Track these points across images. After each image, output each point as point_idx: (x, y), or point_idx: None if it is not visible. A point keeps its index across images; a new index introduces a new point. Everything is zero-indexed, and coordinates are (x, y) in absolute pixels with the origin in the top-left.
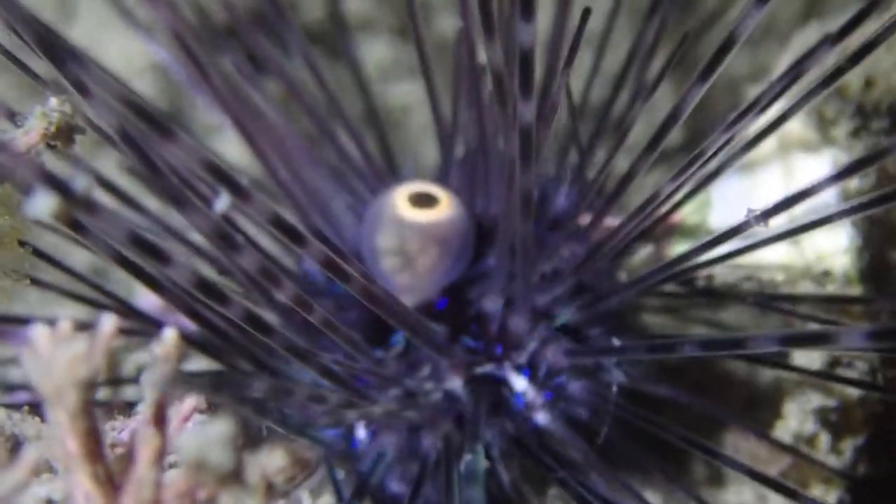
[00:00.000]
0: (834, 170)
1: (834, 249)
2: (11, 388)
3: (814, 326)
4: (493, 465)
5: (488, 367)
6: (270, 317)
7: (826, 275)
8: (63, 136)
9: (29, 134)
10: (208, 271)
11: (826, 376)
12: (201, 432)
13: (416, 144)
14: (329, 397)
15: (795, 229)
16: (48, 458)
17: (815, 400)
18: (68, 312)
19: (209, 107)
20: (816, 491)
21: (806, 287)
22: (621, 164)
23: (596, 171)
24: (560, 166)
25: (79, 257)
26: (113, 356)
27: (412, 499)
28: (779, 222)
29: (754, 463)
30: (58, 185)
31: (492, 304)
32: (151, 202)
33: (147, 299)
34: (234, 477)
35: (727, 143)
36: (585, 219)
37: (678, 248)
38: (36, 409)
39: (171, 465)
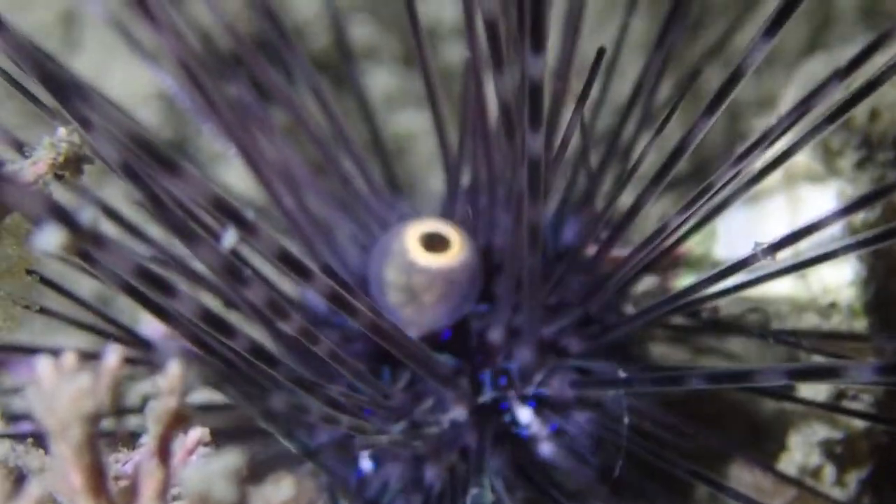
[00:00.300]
0: (840, 203)
1: (839, 282)
2: (15, 417)
3: (821, 360)
4: (499, 497)
5: (493, 399)
6: (276, 348)
7: (831, 307)
8: (71, 166)
9: (37, 164)
10: (214, 302)
11: (832, 408)
12: (206, 465)
13: (422, 173)
14: (341, 419)
15: (801, 263)
16: (52, 492)
17: (821, 432)
18: (73, 341)
19: (215, 135)
20: None
21: (811, 319)
22: (628, 194)
23: (603, 203)
24: (567, 197)
25: (85, 285)
26: (118, 386)
27: None
28: (785, 255)
29: (759, 495)
30: (64, 218)
31: (497, 335)
32: (157, 232)
33: (152, 327)
34: None
35: (734, 177)
36: (592, 250)
37: (684, 279)
38: (40, 440)
39: (175, 498)
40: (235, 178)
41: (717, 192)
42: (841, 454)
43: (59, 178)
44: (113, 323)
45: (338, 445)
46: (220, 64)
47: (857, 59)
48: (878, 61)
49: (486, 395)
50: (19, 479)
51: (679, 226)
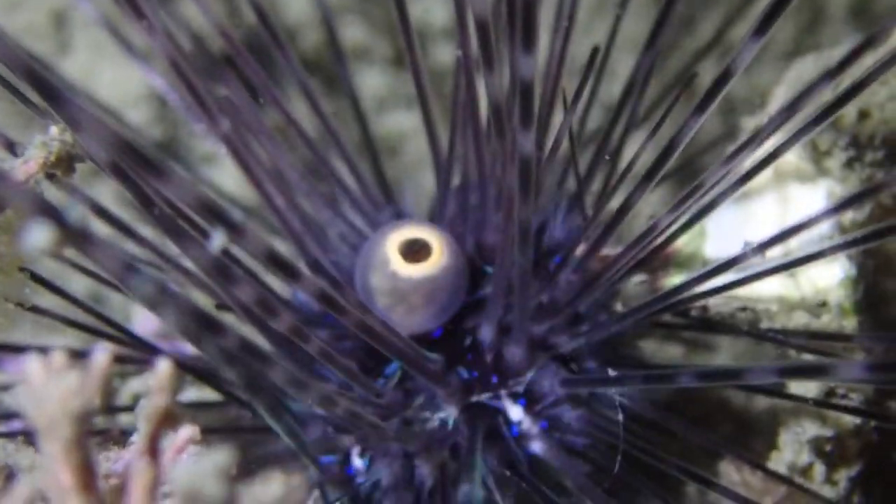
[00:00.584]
0: (829, 203)
1: (829, 281)
2: (6, 416)
3: (811, 358)
4: (490, 494)
5: (484, 397)
6: (267, 346)
7: (821, 306)
8: (63, 165)
9: (28, 163)
10: (205, 301)
11: (822, 404)
12: (196, 464)
13: (413, 173)
14: (339, 402)
15: (791, 262)
16: (42, 490)
17: (811, 430)
18: (65, 339)
19: (205, 135)
20: None
21: (801, 318)
22: (618, 192)
23: (593, 201)
24: (557, 195)
25: (77, 284)
26: (108, 384)
27: None
28: (775, 253)
29: (749, 494)
30: (54, 216)
31: (488, 333)
32: (148, 231)
33: (144, 324)
34: None
35: (724, 176)
36: (582, 248)
37: (674, 278)
38: (31, 437)
39: (166, 496)
40: (227, 178)
41: (707, 192)
42: (831, 452)
43: (50, 177)
44: (104, 321)
45: (329, 443)
46: (210, 64)
47: (845, 61)
48: (867, 62)
49: (477, 393)
50: (9, 476)
51: (669, 225)
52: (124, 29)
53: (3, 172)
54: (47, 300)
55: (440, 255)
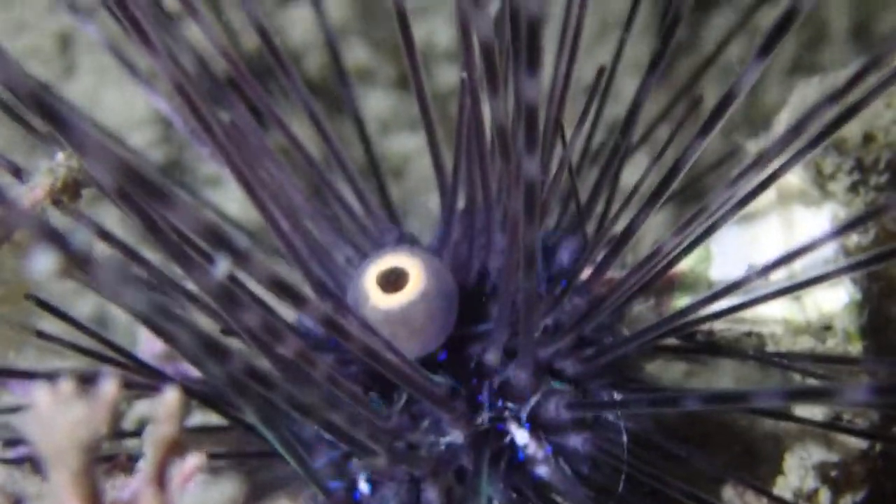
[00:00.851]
0: (833, 226)
1: (834, 305)
2: (13, 442)
3: (816, 382)
4: None
5: (490, 420)
6: (272, 371)
7: (826, 330)
8: (69, 191)
9: (35, 190)
10: (211, 325)
11: (828, 426)
12: (203, 492)
13: (418, 195)
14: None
15: (795, 285)
16: None
17: (816, 455)
18: (70, 364)
19: (210, 158)
20: None
21: (806, 343)
22: (623, 216)
23: (597, 225)
24: (561, 219)
25: (83, 307)
26: (116, 412)
27: None
28: (779, 277)
29: None
30: (58, 242)
31: (493, 357)
32: (153, 256)
33: (149, 346)
34: None
35: (728, 200)
36: (587, 272)
37: (679, 302)
38: (37, 465)
39: None
40: (231, 200)
41: (711, 216)
42: (836, 478)
43: (56, 203)
44: (110, 346)
45: (335, 468)
46: (214, 87)
47: (849, 84)
48: (871, 84)
49: (483, 417)
50: None
51: (673, 248)
52: (129, 52)
53: (9, 199)
54: (52, 326)
55: (417, 281)
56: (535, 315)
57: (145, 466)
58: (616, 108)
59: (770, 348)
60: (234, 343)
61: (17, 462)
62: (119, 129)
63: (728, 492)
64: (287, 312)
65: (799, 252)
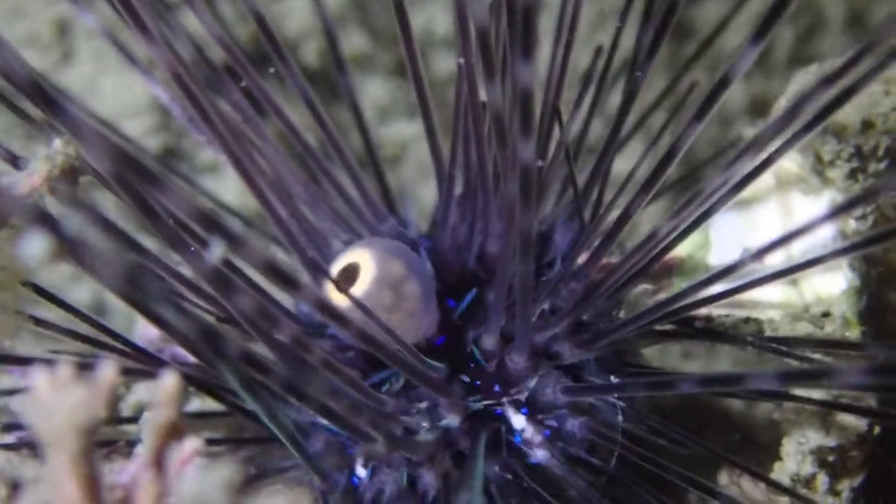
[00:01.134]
0: (832, 215)
1: (832, 292)
2: (11, 427)
3: (812, 364)
4: (492, 502)
5: (486, 405)
6: (269, 356)
7: (825, 316)
8: (67, 178)
9: (32, 176)
10: (206, 310)
11: (826, 404)
12: (201, 477)
13: (416, 182)
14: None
15: (793, 268)
16: (48, 502)
17: (814, 439)
18: (68, 350)
19: (208, 145)
20: None
21: (805, 329)
22: (620, 201)
23: (592, 210)
24: (558, 204)
25: (80, 294)
26: (113, 398)
27: None
28: (777, 263)
29: None
30: (51, 226)
31: (490, 341)
32: (149, 242)
33: (146, 332)
34: None
35: (724, 183)
36: (584, 257)
37: (677, 288)
38: (35, 449)
39: None
40: (229, 187)
41: (707, 199)
42: (834, 463)
43: (52, 190)
44: (108, 332)
45: (332, 453)
46: (212, 75)
47: (844, 68)
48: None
49: (480, 402)
50: (15, 488)
51: (670, 233)
52: (127, 40)
53: (4, 186)
54: (50, 312)
55: (366, 275)
56: (532, 299)
57: (143, 451)
58: (614, 97)
59: (768, 334)
60: (230, 331)
61: (15, 447)
62: (117, 116)
63: (724, 478)
64: (285, 300)
65: (795, 234)
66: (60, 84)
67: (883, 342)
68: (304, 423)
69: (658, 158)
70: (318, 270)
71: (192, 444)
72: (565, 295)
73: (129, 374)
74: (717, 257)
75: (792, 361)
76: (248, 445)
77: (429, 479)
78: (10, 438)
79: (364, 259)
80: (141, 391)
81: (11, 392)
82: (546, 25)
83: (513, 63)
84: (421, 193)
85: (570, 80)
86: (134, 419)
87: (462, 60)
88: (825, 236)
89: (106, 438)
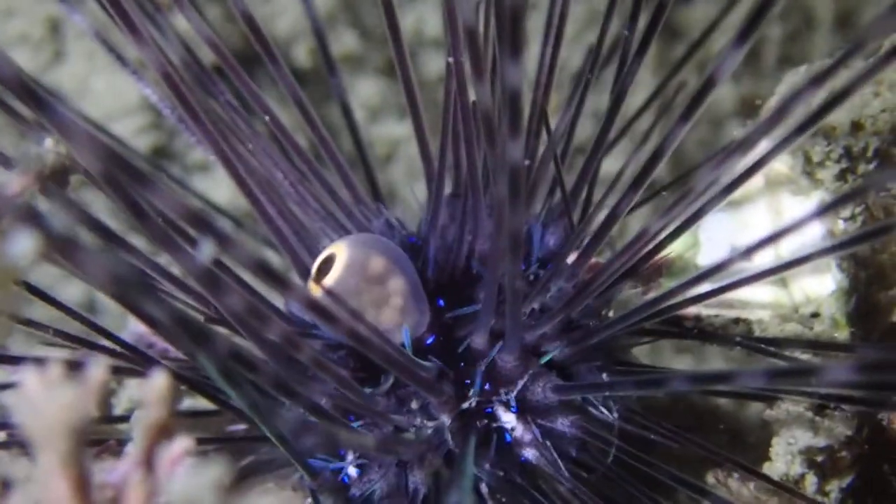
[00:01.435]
0: (821, 212)
1: (821, 293)
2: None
3: (800, 361)
4: (482, 501)
5: (477, 404)
6: (258, 355)
7: (814, 317)
8: (58, 177)
9: (23, 176)
10: (195, 309)
11: (814, 397)
12: (192, 476)
13: (406, 181)
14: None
15: (781, 266)
16: (38, 501)
17: (803, 440)
18: (59, 351)
19: (198, 145)
20: None
21: (794, 330)
22: (609, 201)
23: (582, 210)
24: (547, 204)
25: (72, 292)
26: (104, 397)
27: None
28: (766, 264)
29: None
30: (39, 224)
31: (480, 340)
32: (138, 242)
33: (137, 326)
34: None
35: (713, 182)
36: (573, 257)
37: (666, 289)
38: (26, 447)
39: None
40: (221, 187)
41: (697, 198)
42: (823, 463)
43: (44, 189)
44: (99, 330)
45: (323, 451)
46: (203, 75)
47: (832, 67)
48: (858, 70)
49: (470, 401)
50: (5, 487)
51: (659, 231)
52: (117, 40)
53: None
54: (41, 312)
55: (339, 262)
56: (522, 298)
57: (134, 450)
58: (604, 97)
59: (757, 335)
60: (220, 331)
61: (5, 445)
62: (109, 115)
63: (711, 479)
64: (275, 300)
65: (784, 232)
66: (52, 83)
67: (871, 343)
68: (295, 422)
69: (646, 158)
70: (301, 266)
71: (182, 443)
72: (555, 294)
73: (120, 373)
74: (707, 258)
75: (780, 362)
76: (238, 444)
77: (419, 478)
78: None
79: (340, 249)
80: (132, 389)
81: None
82: (536, 24)
83: (501, 63)
84: (411, 193)
85: (559, 79)
86: (125, 418)
87: (451, 60)
88: (814, 237)
89: (96, 437)
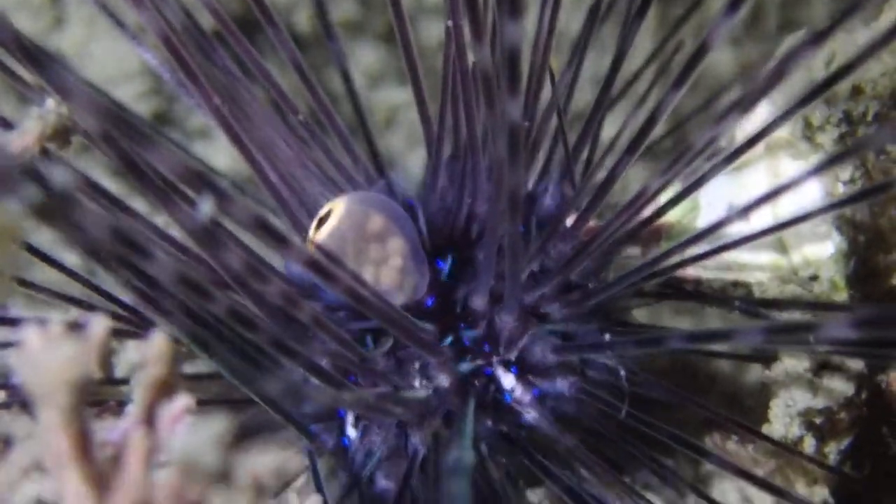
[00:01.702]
0: (821, 177)
1: (820, 257)
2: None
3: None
4: (482, 461)
5: (476, 365)
6: (258, 315)
7: (812, 280)
8: (59, 137)
9: (25, 135)
10: (194, 269)
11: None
12: (192, 433)
13: (407, 146)
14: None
15: (779, 225)
16: (38, 458)
17: (802, 401)
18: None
19: (198, 109)
20: (802, 492)
21: (793, 292)
22: (608, 161)
23: (581, 172)
24: (547, 166)
25: (71, 257)
26: (105, 354)
27: (400, 495)
28: (765, 223)
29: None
30: (38, 181)
31: (480, 301)
32: (139, 204)
33: None
34: (224, 477)
35: (712, 141)
36: (572, 219)
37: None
38: (27, 405)
39: (162, 466)
40: (221, 152)
41: (696, 157)
42: (822, 425)
43: (45, 150)
44: (99, 291)
45: (323, 413)
46: (203, 40)
47: (830, 28)
48: (858, 36)
49: (469, 362)
50: (6, 445)
51: (659, 190)
52: (116, 4)
53: None
54: (41, 274)
55: (336, 216)
56: (521, 259)
57: (134, 408)
58: (604, 60)
59: (757, 297)
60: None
61: (6, 403)
62: (109, 80)
63: (709, 443)
64: (276, 261)
65: (781, 190)
66: (52, 48)
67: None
68: (287, 383)
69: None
70: (302, 229)
71: (182, 401)
72: (554, 256)
73: (121, 335)
74: (706, 221)
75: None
76: (238, 406)
77: (419, 439)
78: (0, 395)
79: (338, 204)
80: (131, 352)
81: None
82: None
83: (500, 20)
84: (411, 159)
85: (559, 44)
86: (125, 380)
87: (450, 23)
88: (814, 201)
89: (97, 398)
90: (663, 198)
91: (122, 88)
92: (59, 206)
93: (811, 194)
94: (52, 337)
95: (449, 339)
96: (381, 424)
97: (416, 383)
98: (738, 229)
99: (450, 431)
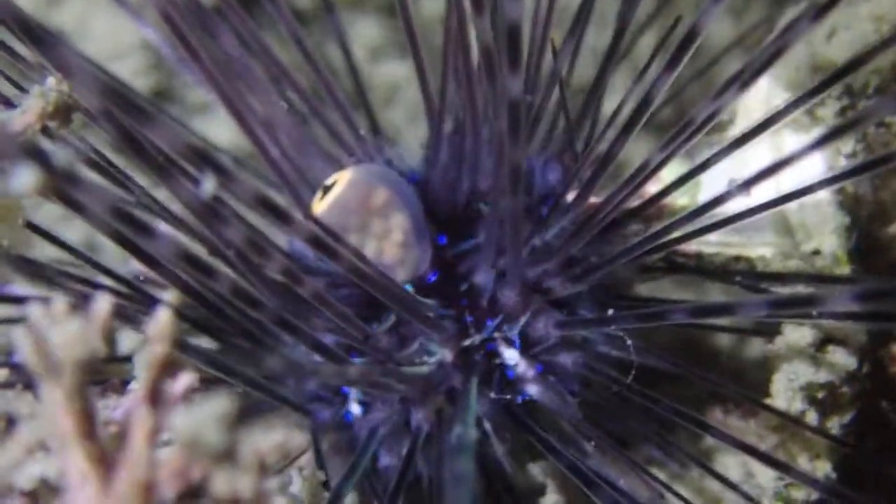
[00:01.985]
0: (823, 152)
1: (822, 231)
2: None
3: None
4: (486, 437)
5: (479, 341)
6: (261, 292)
7: (815, 254)
8: (60, 115)
9: (26, 113)
10: (196, 246)
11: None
12: (195, 411)
13: (408, 120)
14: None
15: (782, 198)
16: (43, 436)
17: (804, 375)
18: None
19: (198, 85)
20: (804, 466)
21: (795, 266)
22: (609, 134)
23: (583, 147)
24: (548, 142)
25: (72, 235)
26: (109, 332)
27: (403, 472)
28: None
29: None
30: (40, 159)
31: (482, 277)
32: (142, 179)
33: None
34: (228, 455)
35: (713, 116)
36: (574, 192)
37: None
38: (31, 384)
39: (165, 444)
40: (222, 128)
41: (697, 132)
42: (824, 399)
43: (46, 128)
44: (101, 269)
45: (327, 390)
46: (203, 15)
47: (830, 2)
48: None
49: (472, 337)
50: (10, 424)
51: (660, 165)
52: None
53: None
54: (44, 253)
55: (341, 184)
56: (523, 234)
57: (138, 386)
58: (605, 33)
59: (758, 272)
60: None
61: (9, 382)
62: (108, 56)
63: (711, 419)
64: (279, 239)
65: (784, 163)
66: (51, 24)
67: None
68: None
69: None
70: (303, 205)
71: (186, 378)
72: (556, 231)
73: (124, 313)
74: (709, 197)
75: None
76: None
77: (422, 416)
78: (4, 373)
79: (343, 175)
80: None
81: (6, 321)
82: None
83: None
84: (412, 134)
85: (560, 20)
86: (128, 358)
87: None
88: (815, 174)
89: (100, 377)
90: (665, 174)
91: (122, 64)
92: (60, 184)
93: (814, 168)
94: (56, 314)
95: (452, 315)
96: (385, 401)
97: (419, 359)
98: (740, 204)
99: (453, 408)
